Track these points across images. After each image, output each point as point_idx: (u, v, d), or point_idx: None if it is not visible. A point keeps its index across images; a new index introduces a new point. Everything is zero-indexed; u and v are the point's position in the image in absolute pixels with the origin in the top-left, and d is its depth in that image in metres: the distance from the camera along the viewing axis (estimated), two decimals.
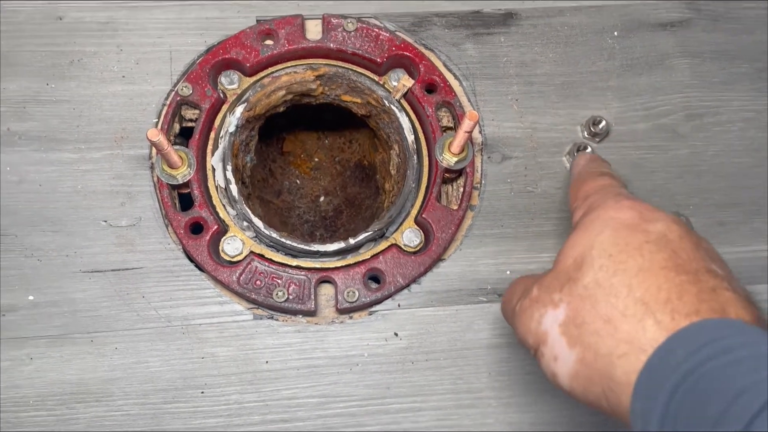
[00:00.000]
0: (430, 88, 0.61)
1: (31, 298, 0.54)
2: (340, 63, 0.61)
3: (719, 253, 0.41)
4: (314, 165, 0.80)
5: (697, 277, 0.37)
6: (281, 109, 0.63)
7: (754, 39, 0.65)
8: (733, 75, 0.64)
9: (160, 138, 0.50)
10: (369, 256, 0.56)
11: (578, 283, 0.39)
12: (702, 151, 0.62)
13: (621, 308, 0.37)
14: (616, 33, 0.64)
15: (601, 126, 0.60)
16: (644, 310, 0.36)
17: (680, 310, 0.36)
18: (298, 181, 0.79)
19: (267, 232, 0.56)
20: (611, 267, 0.38)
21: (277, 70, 0.60)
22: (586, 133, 0.61)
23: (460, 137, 0.55)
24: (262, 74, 0.60)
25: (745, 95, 0.64)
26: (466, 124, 0.53)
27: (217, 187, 0.57)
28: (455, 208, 0.58)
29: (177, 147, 0.55)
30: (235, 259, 0.55)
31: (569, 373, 0.39)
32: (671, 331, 0.35)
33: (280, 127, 0.76)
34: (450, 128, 0.62)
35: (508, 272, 0.58)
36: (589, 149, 0.59)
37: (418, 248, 0.57)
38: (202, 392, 0.54)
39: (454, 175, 0.60)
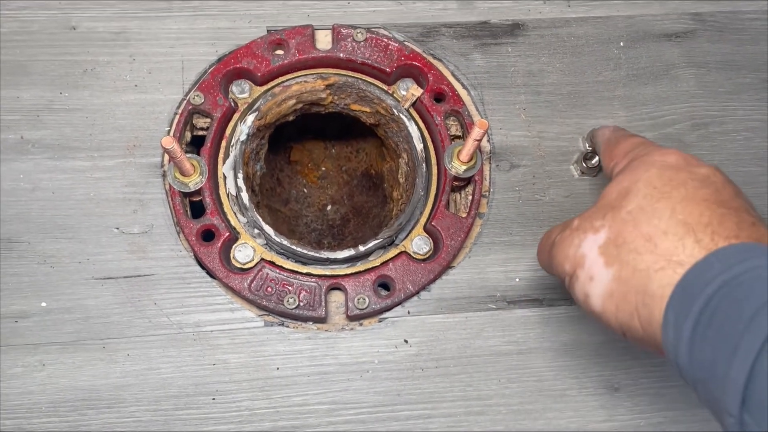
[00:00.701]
0: (439, 98, 0.61)
1: (43, 304, 0.55)
2: (349, 72, 0.62)
3: None
4: (321, 174, 0.81)
5: (738, 213, 0.38)
6: (291, 117, 0.64)
7: (758, 49, 0.66)
8: (738, 85, 0.65)
9: (174, 146, 0.50)
10: (379, 264, 0.57)
11: (622, 210, 0.40)
12: (707, 161, 0.62)
13: (663, 228, 0.38)
14: (622, 43, 0.65)
15: None
16: (685, 230, 0.37)
17: (720, 233, 0.37)
18: (305, 190, 0.80)
19: (278, 239, 0.56)
20: (656, 195, 0.39)
21: (287, 80, 0.61)
22: (588, 143, 0.62)
23: (470, 145, 0.55)
24: (272, 83, 0.61)
25: (749, 105, 0.64)
26: (475, 133, 0.54)
27: (228, 195, 0.58)
28: (464, 215, 0.59)
29: (189, 155, 0.56)
30: (246, 266, 0.55)
31: (603, 292, 0.40)
32: (710, 250, 0.36)
33: (287, 136, 0.77)
34: (458, 137, 0.62)
35: (516, 279, 0.58)
36: (596, 158, 0.59)
37: (427, 255, 0.57)
38: (214, 399, 0.54)
39: (462, 183, 0.60)
